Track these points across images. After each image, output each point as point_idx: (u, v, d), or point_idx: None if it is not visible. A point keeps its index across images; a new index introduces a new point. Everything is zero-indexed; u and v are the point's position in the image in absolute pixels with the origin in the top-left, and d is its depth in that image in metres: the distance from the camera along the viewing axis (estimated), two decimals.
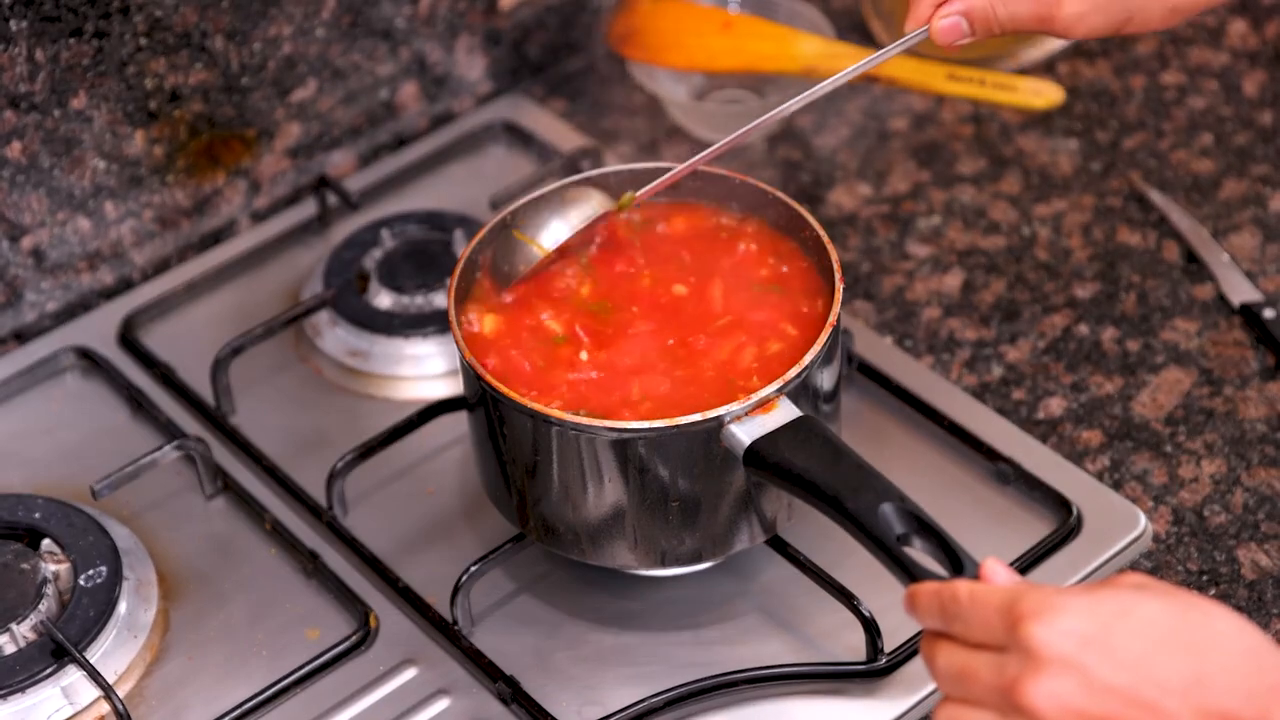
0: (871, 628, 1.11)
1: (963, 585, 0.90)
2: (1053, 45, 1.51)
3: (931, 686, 1.12)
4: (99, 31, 1.32)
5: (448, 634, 1.16)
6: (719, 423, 1.06)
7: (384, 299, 1.36)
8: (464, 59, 1.53)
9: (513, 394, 1.08)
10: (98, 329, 1.38)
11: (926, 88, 1.40)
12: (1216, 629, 0.85)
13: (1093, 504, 1.20)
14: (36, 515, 1.20)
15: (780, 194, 1.18)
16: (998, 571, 0.92)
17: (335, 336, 1.35)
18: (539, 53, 1.58)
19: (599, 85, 1.57)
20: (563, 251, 1.18)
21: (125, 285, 1.42)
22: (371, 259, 1.39)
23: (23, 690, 1.12)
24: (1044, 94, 1.39)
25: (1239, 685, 0.83)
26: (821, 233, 1.15)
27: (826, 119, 1.52)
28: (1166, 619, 0.85)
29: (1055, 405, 1.29)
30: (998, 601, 0.87)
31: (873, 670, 1.12)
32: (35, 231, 1.36)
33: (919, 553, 0.98)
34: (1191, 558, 1.19)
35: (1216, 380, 1.29)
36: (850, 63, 1.41)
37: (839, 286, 1.12)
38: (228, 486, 1.26)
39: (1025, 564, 1.17)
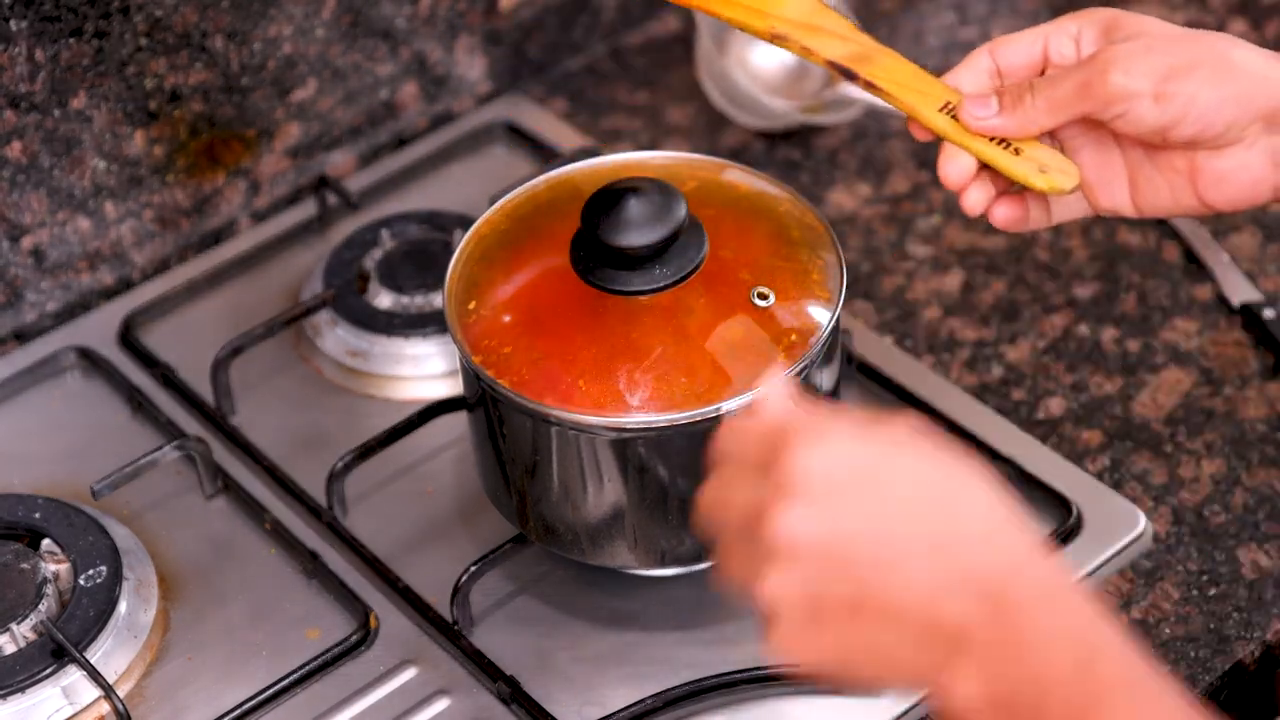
0: None
1: (730, 419, 0.89)
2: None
3: None
4: (99, 31, 1.32)
5: (448, 634, 1.16)
6: (719, 421, 1.06)
7: (384, 299, 1.36)
8: (464, 59, 1.53)
9: (512, 393, 1.08)
10: (98, 329, 1.38)
11: (912, 111, 1.06)
12: (971, 502, 0.82)
13: (1093, 504, 1.20)
14: (36, 515, 1.20)
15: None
16: (769, 395, 0.88)
17: (335, 336, 1.35)
18: (539, 53, 1.57)
19: (599, 85, 1.57)
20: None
21: (125, 285, 1.42)
22: (371, 259, 1.39)
23: (23, 690, 1.12)
24: (1051, 174, 1.03)
25: (980, 560, 0.80)
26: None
27: None
28: (928, 480, 0.82)
29: (1055, 405, 1.29)
30: (763, 428, 0.84)
31: None
32: (35, 231, 1.36)
33: None
34: (1191, 558, 1.19)
35: (1216, 380, 1.29)
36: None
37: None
38: (228, 486, 1.26)
39: None
